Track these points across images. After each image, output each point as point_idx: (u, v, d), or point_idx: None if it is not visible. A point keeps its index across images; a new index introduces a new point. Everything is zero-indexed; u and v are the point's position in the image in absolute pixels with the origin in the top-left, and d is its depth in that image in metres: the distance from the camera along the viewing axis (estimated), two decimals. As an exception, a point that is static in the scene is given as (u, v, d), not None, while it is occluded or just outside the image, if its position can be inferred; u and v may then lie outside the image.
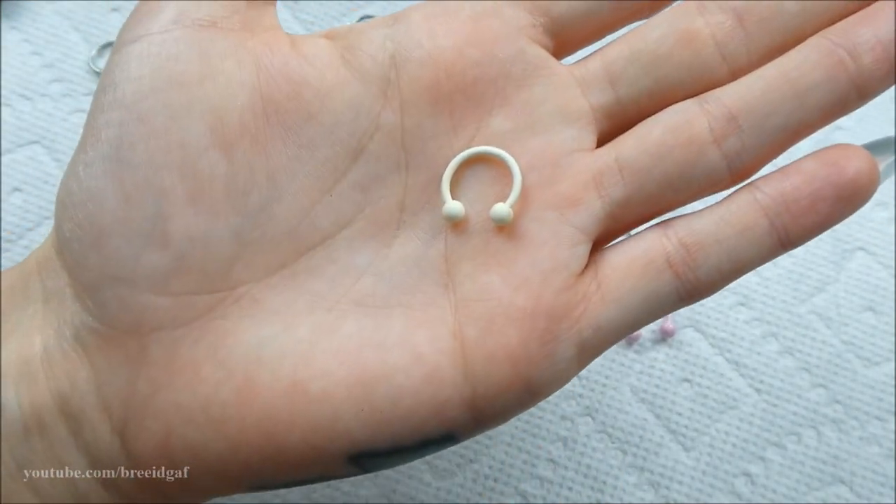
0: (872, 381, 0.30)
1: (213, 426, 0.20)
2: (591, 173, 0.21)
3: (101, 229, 0.20)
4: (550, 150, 0.21)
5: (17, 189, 0.32)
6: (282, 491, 0.28)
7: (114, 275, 0.20)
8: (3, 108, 0.33)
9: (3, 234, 0.31)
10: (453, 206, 0.20)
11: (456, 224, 0.21)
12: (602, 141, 0.21)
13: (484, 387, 0.20)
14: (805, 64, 0.20)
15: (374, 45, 0.21)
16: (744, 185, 0.21)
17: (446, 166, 0.21)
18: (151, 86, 0.20)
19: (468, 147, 0.21)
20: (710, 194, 0.21)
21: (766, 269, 0.32)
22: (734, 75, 0.21)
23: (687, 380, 0.30)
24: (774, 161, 0.21)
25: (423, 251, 0.21)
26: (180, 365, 0.20)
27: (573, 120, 0.21)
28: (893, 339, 0.31)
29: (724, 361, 0.31)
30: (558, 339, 0.20)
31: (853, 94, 0.20)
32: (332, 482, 0.28)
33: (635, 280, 0.20)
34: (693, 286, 0.20)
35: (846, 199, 0.20)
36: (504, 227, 0.21)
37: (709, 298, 0.31)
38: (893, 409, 0.30)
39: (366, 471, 0.21)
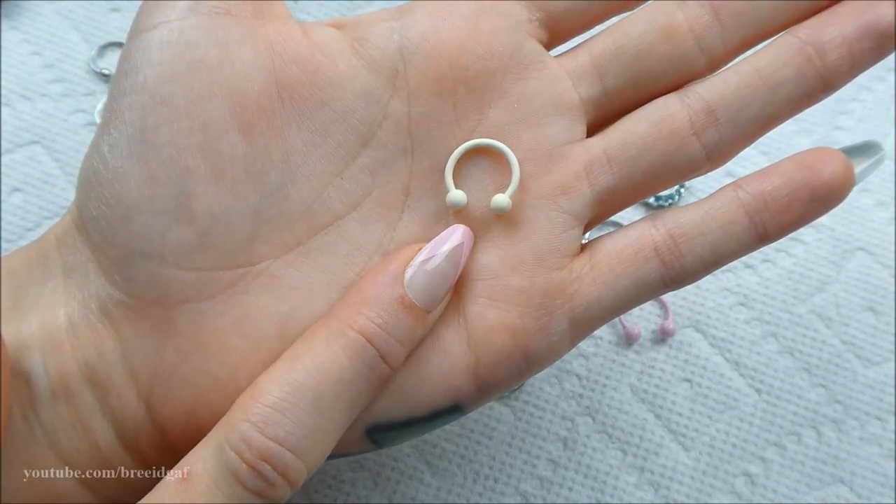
0: (872, 381, 0.30)
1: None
2: (583, 163, 0.22)
3: (128, 207, 0.20)
4: (545, 141, 0.22)
5: (17, 189, 0.32)
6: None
7: (141, 250, 0.20)
8: (3, 108, 0.33)
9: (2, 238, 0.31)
10: (457, 194, 0.22)
11: (458, 211, 0.22)
12: (591, 129, 0.23)
13: (486, 355, 0.21)
14: (777, 61, 0.22)
15: (383, 38, 0.22)
16: (727, 185, 0.22)
17: (449, 155, 0.22)
18: (173, 71, 0.21)
19: (470, 137, 0.22)
20: (689, 179, 0.23)
21: (767, 269, 0.32)
22: (712, 65, 0.23)
23: (687, 380, 0.30)
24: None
25: (426, 235, 0.22)
26: (206, 336, 0.21)
27: (565, 111, 0.22)
28: (893, 339, 0.31)
29: (723, 361, 0.31)
30: (552, 314, 0.21)
31: (819, 87, 0.22)
32: (333, 483, 0.29)
33: (625, 266, 0.22)
34: (678, 273, 0.22)
35: (820, 200, 0.21)
36: (503, 216, 0.22)
37: (709, 298, 0.31)
38: (893, 409, 0.30)
39: (379, 445, 0.22)
